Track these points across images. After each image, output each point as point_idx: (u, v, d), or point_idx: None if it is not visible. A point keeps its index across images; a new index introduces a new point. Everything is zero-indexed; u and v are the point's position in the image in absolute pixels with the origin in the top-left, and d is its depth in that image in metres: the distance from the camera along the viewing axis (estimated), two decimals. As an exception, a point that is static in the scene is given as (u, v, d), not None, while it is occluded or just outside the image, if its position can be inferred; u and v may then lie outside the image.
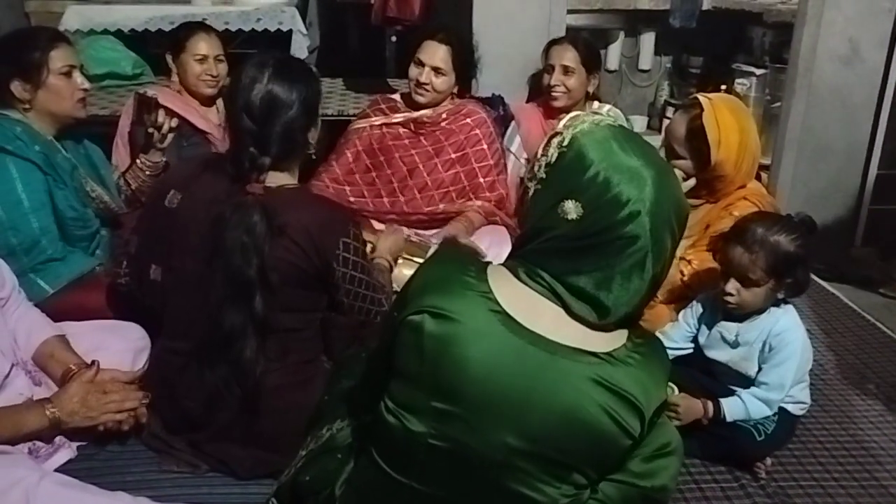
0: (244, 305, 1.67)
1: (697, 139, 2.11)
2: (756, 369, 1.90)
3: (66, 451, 1.75)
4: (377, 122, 2.68)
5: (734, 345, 1.93)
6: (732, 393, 1.91)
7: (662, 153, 2.20)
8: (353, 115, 2.96)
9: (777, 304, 1.90)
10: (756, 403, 1.86)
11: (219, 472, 1.80)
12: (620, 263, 1.13)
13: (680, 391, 1.90)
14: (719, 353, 1.96)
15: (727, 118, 2.10)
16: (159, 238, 1.80)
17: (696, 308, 2.03)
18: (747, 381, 1.91)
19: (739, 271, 1.83)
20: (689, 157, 2.15)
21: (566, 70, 2.77)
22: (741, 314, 1.90)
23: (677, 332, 2.02)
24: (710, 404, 1.87)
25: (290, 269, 1.70)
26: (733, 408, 1.87)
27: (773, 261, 1.79)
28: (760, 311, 1.89)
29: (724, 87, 4.01)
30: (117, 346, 1.94)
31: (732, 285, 1.85)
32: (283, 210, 1.68)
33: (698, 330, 2.02)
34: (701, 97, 2.15)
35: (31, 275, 2.02)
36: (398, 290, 1.94)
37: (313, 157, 1.86)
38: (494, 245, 2.43)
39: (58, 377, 1.76)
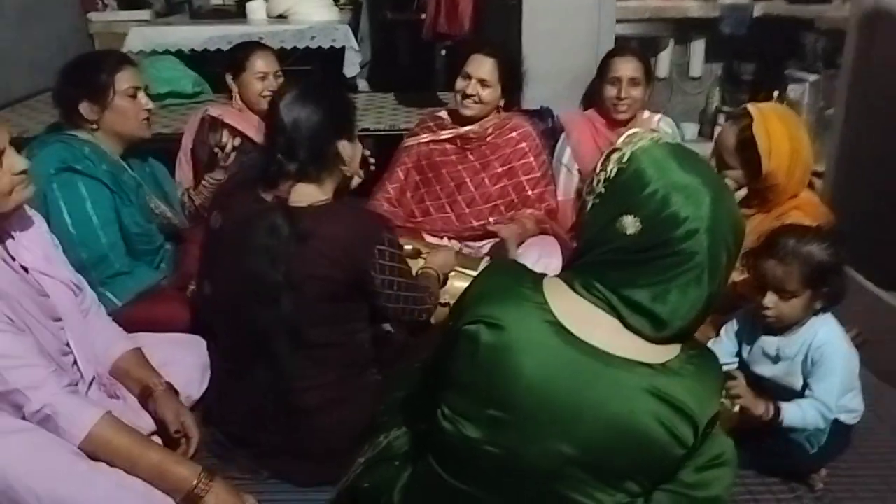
0: (272, 307, 1.72)
1: (748, 149, 2.10)
2: (801, 383, 1.87)
3: None
4: (425, 140, 2.72)
5: (776, 360, 1.91)
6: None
7: (713, 163, 2.19)
8: (405, 130, 3.01)
9: (816, 313, 1.88)
10: (812, 413, 1.83)
11: (279, 478, 1.85)
12: (677, 278, 1.15)
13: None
14: (763, 369, 1.94)
15: (778, 127, 2.09)
16: (209, 258, 1.89)
17: (734, 324, 2.02)
18: (794, 395, 1.88)
19: (775, 284, 1.82)
20: (739, 167, 2.14)
21: (633, 82, 2.77)
22: (780, 327, 1.89)
23: (719, 347, 2.00)
24: (770, 405, 1.84)
25: (323, 285, 1.73)
26: (791, 412, 1.83)
27: (807, 271, 1.79)
28: (800, 324, 1.88)
29: (776, 93, 3.96)
30: (187, 361, 2.00)
31: (770, 299, 1.83)
32: (313, 223, 1.71)
33: (740, 345, 2.01)
34: (751, 107, 2.14)
35: (101, 288, 2.08)
36: (451, 302, 1.99)
37: (348, 174, 1.87)
38: (544, 256, 2.43)
39: (136, 393, 1.81)
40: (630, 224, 1.16)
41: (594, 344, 1.16)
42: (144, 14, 4.38)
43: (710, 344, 2.03)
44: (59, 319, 1.68)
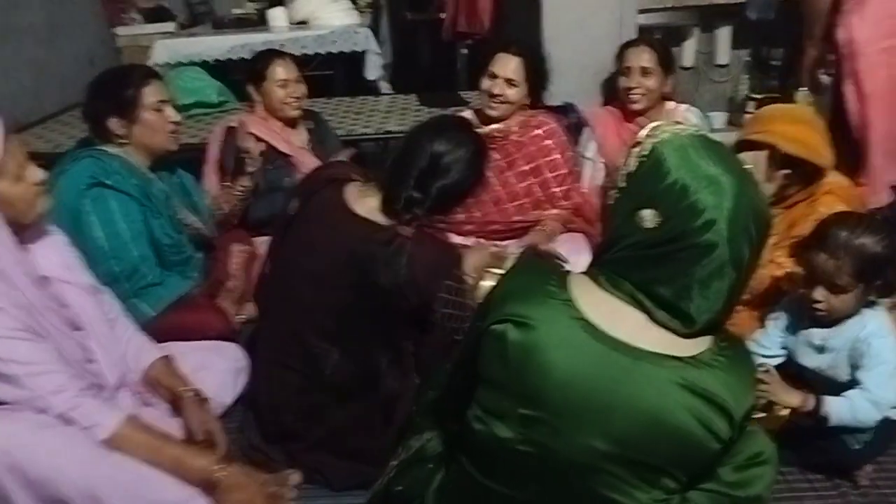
0: (332, 315, 1.75)
1: (793, 165, 2.07)
2: (845, 376, 1.83)
3: None
4: (450, 141, 2.71)
5: (821, 350, 1.87)
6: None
7: (759, 161, 2.13)
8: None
9: (867, 305, 1.82)
10: (863, 404, 1.76)
11: (314, 482, 1.86)
12: (699, 272, 1.13)
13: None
14: (807, 359, 1.90)
15: (793, 129, 2.06)
16: (278, 241, 1.93)
17: (781, 313, 1.98)
18: (837, 387, 1.83)
19: (826, 278, 1.76)
20: (795, 181, 2.11)
21: (645, 71, 2.74)
22: (830, 320, 1.84)
23: (768, 338, 1.97)
24: (811, 398, 1.78)
25: (388, 306, 1.75)
26: (838, 405, 1.77)
27: (860, 265, 1.73)
28: (850, 315, 1.82)
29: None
30: (220, 366, 2.04)
31: (820, 293, 1.78)
32: (402, 255, 1.71)
33: (785, 337, 1.97)
34: (752, 138, 2.10)
35: (134, 300, 2.12)
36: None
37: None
38: (572, 253, 2.41)
39: (168, 401, 1.84)
40: (649, 218, 1.14)
41: (622, 339, 1.15)
42: (169, 26, 4.44)
43: (758, 334, 2.00)
44: (80, 328, 1.71)
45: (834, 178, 2.14)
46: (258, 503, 1.65)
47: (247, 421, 1.99)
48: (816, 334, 1.87)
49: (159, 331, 2.03)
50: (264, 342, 1.97)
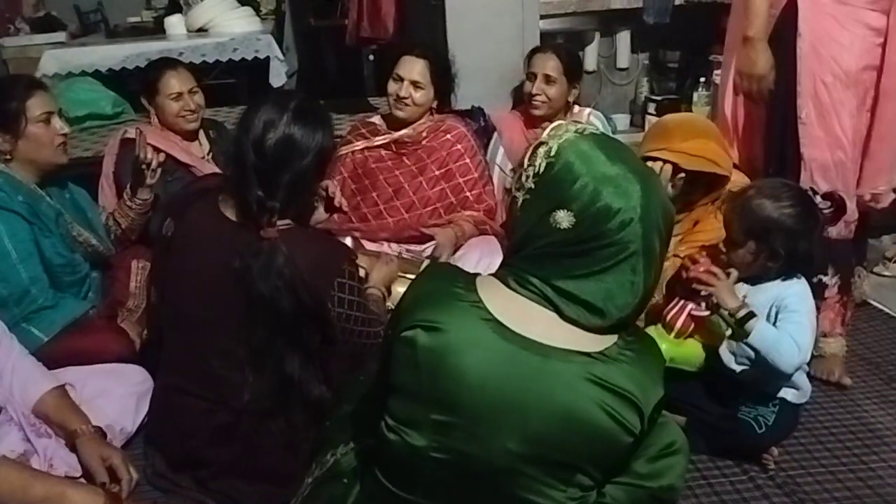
0: (230, 326, 1.68)
1: (696, 182, 2.13)
2: None
3: None
4: (359, 147, 2.68)
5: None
6: (739, 388, 1.90)
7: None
8: (337, 138, 2.94)
9: (789, 275, 1.88)
10: (787, 338, 1.79)
11: (226, 506, 1.79)
12: (613, 268, 1.15)
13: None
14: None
15: (692, 144, 2.10)
16: (160, 266, 1.84)
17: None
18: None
19: (726, 230, 1.88)
20: (703, 192, 2.17)
21: (548, 79, 2.77)
22: (748, 277, 1.90)
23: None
24: (747, 307, 1.80)
25: (281, 310, 1.68)
26: (765, 329, 1.79)
27: (748, 224, 1.82)
28: (767, 278, 1.89)
29: (702, 79, 4.04)
30: (120, 391, 1.95)
31: (723, 243, 1.89)
32: (279, 251, 1.65)
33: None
34: (653, 156, 2.12)
35: (24, 324, 2.01)
36: (393, 307, 1.94)
37: (316, 205, 1.87)
38: (485, 256, 2.41)
39: (63, 437, 1.74)
40: (564, 218, 1.15)
41: (532, 337, 1.16)
42: (59, 36, 4.26)
43: None
44: None
45: (736, 178, 2.21)
46: None
47: (150, 448, 1.90)
48: (741, 288, 1.91)
49: (54, 356, 1.94)
50: (163, 369, 1.88)
